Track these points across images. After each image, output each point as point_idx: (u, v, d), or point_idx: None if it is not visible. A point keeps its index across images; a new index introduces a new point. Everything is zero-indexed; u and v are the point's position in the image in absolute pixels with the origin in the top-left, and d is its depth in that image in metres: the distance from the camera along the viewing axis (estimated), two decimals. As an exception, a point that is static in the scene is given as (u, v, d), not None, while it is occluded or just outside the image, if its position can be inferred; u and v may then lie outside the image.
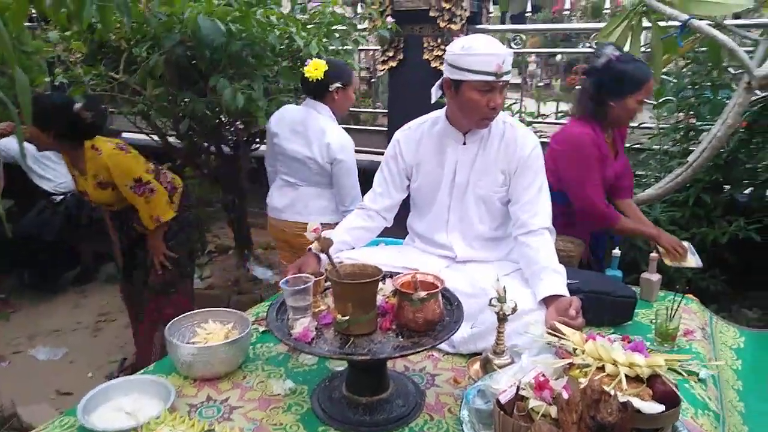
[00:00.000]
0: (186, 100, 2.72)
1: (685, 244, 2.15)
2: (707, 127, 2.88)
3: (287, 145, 2.42)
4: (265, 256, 4.04)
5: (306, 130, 2.38)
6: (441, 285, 1.31)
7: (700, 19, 2.26)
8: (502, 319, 1.37)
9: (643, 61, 2.10)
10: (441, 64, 3.60)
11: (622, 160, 2.23)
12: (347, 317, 1.25)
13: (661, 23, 2.49)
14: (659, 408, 1.02)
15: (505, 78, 1.57)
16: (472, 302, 1.53)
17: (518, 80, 4.48)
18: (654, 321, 1.74)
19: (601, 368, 1.13)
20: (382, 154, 4.39)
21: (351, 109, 4.90)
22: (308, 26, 2.90)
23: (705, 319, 1.91)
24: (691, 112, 2.96)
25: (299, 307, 1.34)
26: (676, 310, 1.63)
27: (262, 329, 1.77)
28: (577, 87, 3.82)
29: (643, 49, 2.60)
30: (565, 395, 1.04)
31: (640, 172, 3.07)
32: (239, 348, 1.52)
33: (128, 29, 2.47)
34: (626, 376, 1.09)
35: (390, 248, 1.98)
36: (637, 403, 1.01)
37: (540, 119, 3.50)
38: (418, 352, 1.21)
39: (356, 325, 1.27)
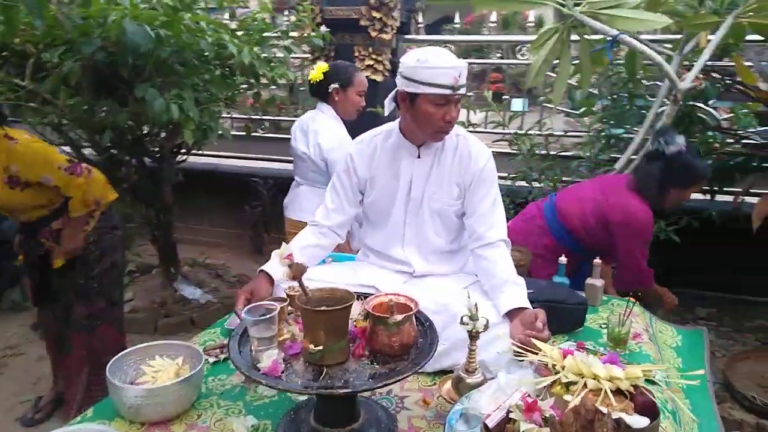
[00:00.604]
0: (105, 110, 2.50)
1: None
2: (626, 135, 3.07)
3: (295, 144, 2.62)
4: (194, 274, 3.81)
5: (308, 128, 2.55)
6: (416, 307, 1.27)
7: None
8: (474, 336, 1.34)
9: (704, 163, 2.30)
10: (372, 72, 3.59)
11: None
12: (320, 347, 1.18)
13: (588, 37, 2.61)
14: (646, 421, 1.03)
15: (461, 91, 1.56)
16: (436, 318, 1.50)
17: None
18: (606, 326, 1.81)
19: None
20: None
21: (272, 118, 4.81)
22: (238, 33, 2.77)
23: (646, 321, 2.01)
24: (612, 122, 3.13)
25: (264, 338, 1.25)
26: (628, 315, 1.69)
27: (212, 360, 1.64)
28: (504, 96, 3.98)
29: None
30: (556, 416, 1.03)
31: (566, 178, 3.20)
32: (193, 385, 1.39)
33: (38, 32, 2.22)
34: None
35: (342, 265, 1.91)
36: (626, 418, 1.01)
37: (471, 128, 3.56)
38: (400, 380, 1.16)
39: (329, 355, 1.20)
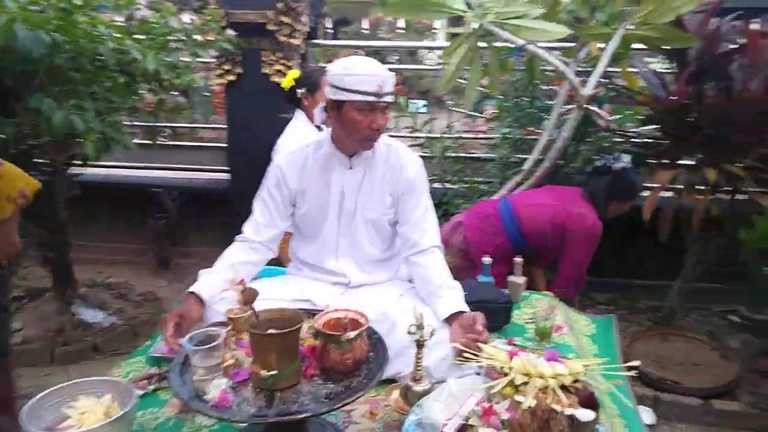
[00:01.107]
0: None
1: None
2: (531, 138, 3.26)
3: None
4: (94, 295, 3.51)
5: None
6: (366, 321, 1.26)
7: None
8: (421, 345, 1.36)
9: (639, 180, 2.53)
10: (282, 78, 3.52)
11: None
12: (273, 372, 1.14)
13: (496, 45, 2.74)
14: (592, 414, 1.11)
15: (386, 99, 1.58)
16: (377, 328, 1.50)
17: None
18: (530, 321, 1.91)
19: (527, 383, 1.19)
20: (220, 172, 4.13)
21: (173, 125, 4.54)
22: (139, 37, 2.59)
23: (565, 313, 2.14)
24: (516, 124, 3.31)
25: (210, 367, 1.18)
26: (553, 309, 1.80)
27: (140, 392, 1.52)
28: (400, 99, 4.06)
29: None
30: (509, 418, 1.07)
31: (478, 179, 3.35)
32: (126, 424, 1.28)
33: None
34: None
35: (275, 280, 1.86)
36: (576, 414, 1.08)
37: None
38: (358, 397, 1.15)
39: (282, 379, 1.16)
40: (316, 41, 3.74)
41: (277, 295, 1.66)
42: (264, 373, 1.13)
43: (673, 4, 2.41)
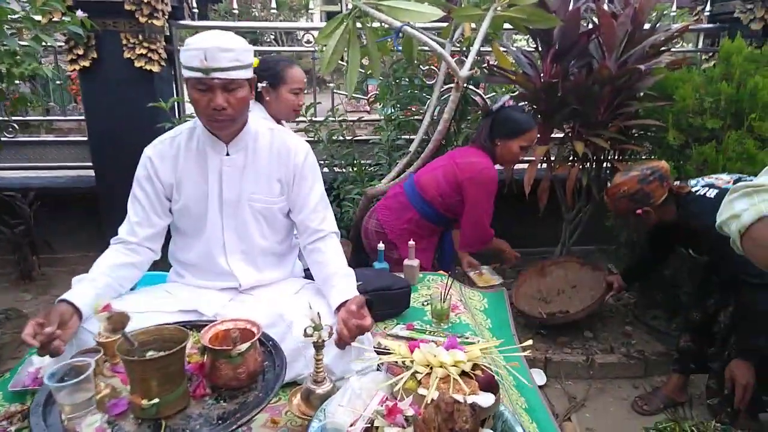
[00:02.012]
0: None
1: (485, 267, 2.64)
2: (414, 119, 3.29)
3: None
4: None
5: None
6: (259, 330, 1.18)
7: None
8: (319, 346, 1.31)
9: (530, 114, 2.44)
10: (147, 62, 3.22)
11: None
12: (155, 400, 1.02)
13: (373, 26, 2.70)
14: (492, 398, 1.12)
15: (218, 75, 1.43)
16: (272, 332, 1.43)
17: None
18: (427, 303, 1.93)
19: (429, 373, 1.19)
20: (82, 168, 3.74)
21: (19, 118, 4.01)
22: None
23: (459, 291, 2.20)
24: (399, 105, 3.32)
25: (79, 403, 1.04)
26: (448, 290, 1.83)
27: (-1, 438, 1.32)
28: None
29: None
30: (417, 414, 1.05)
31: (366, 161, 3.32)
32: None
33: None
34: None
35: (154, 290, 1.69)
36: (478, 400, 1.09)
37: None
38: (257, 413, 1.07)
39: (167, 406, 1.05)
40: (182, 22, 3.46)
41: (158, 307, 1.51)
42: (145, 402, 1.02)
43: (537, -15, 2.52)
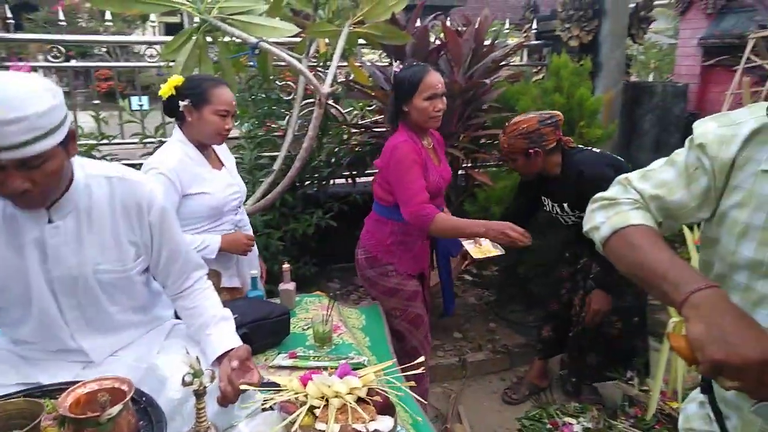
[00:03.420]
0: None
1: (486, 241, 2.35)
2: (274, 136, 3.21)
3: None
4: None
5: None
6: (130, 387, 1.04)
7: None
8: (201, 394, 1.19)
9: (420, 64, 2.16)
10: None
11: (445, 166, 2.29)
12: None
13: (225, 40, 2.58)
14: (391, 420, 1.11)
15: (6, 156, 1.04)
16: (144, 388, 1.27)
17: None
18: (309, 327, 1.87)
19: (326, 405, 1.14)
20: None
21: None
22: None
23: (338, 310, 2.16)
24: (257, 122, 3.22)
25: None
26: (330, 312, 1.79)
27: None
28: (140, 100, 3.60)
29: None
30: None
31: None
32: None
33: None
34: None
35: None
36: (378, 426, 1.06)
37: (106, 141, 3.11)
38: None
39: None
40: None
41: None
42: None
43: (388, 3, 2.60)
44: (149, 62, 3.18)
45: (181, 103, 1.96)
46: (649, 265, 0.90)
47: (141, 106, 3.41)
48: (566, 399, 2.69)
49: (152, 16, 4.12)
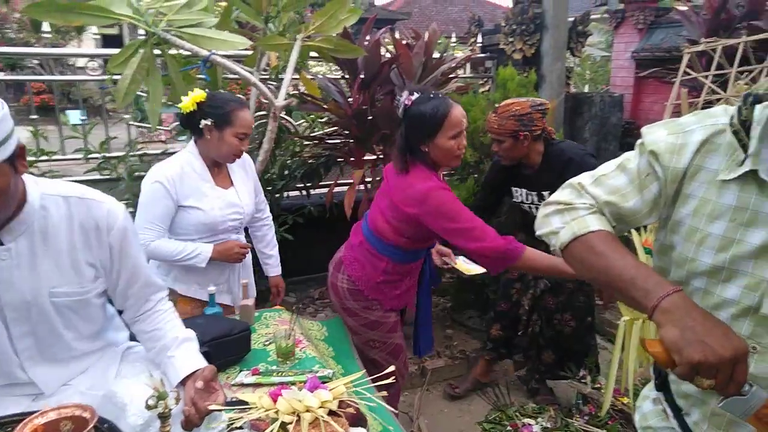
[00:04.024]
0: None
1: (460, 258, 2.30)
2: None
3: None
4: None
5: None
6: (93, 414, 1.00)
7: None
8: (166, 417, 1.16)
9: (440, 95, 1.94)
10: None
11: None
12: None
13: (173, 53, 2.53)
14: (363, 431, 1.12)
15: None
16: (104, 415, 1.23)
17: None
18: (271, 342, 1.85)
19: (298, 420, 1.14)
20: None
21: None
22: None
23: (299, 324, 2.14)
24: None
25: None
26: (293, 327, 1.77)
27: None
28: (77, 114, 3.47)
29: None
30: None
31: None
32: None
33: None
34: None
35: None
36: (352, 438, 1.07)
37: (46, 157, 2.98)
38: None
39: None
40: None
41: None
42: None
43: (339, 16, 2.62)
44: (91, 75, 3.07)
45: (204, 122, 1.97)
46: (614, 271, 0.92)
47: (83, 120, 3.29)
48: (524, 400, 2.76)
49: (93, 28, 3.98)
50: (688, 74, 3.91)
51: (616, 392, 2.41)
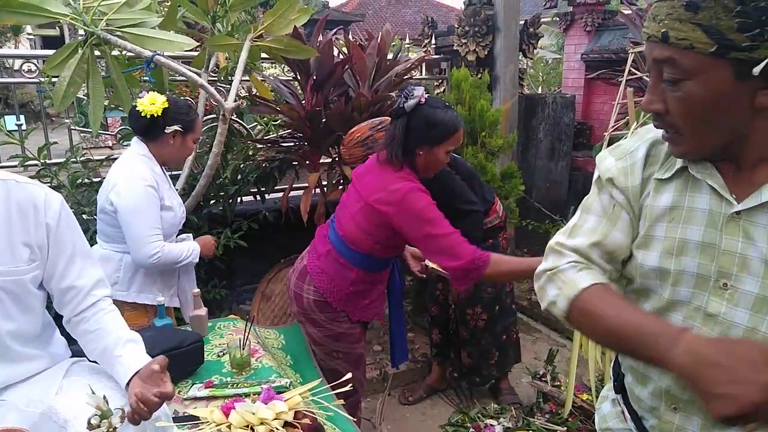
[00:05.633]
0: None
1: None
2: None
3: None
4: None
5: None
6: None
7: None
8: (110, 437, 1.08)
9: (452, 108, 1.89)
10: None
11: None
12: None
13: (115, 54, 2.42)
14: (323, 442, 1.07)
15: None
16: (41, 434, 1.15)
17: None
18: (225, 353, 1.77)
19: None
20: None
21: None
22: None
23: (254, 333, 2.07)
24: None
25: None
26: (247, 336, 1.71)
27: None
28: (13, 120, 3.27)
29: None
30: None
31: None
32: None
33: None
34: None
35: None
36: (309, 451, 1.02)
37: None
38: None
39: None
40: None
41: None
42: None
43: (289, 16, 2.56)
44: (27, 78, 2.90)
45: (170, 128, 2.03)
46: (617, 331, 0.87)
47: (20, 125, 3.11)
48: (487, 401, 2.76)
49: (28, 28, 3.78)
50: (634, 74, 4.02)
51: (576, 389, 2.43)
